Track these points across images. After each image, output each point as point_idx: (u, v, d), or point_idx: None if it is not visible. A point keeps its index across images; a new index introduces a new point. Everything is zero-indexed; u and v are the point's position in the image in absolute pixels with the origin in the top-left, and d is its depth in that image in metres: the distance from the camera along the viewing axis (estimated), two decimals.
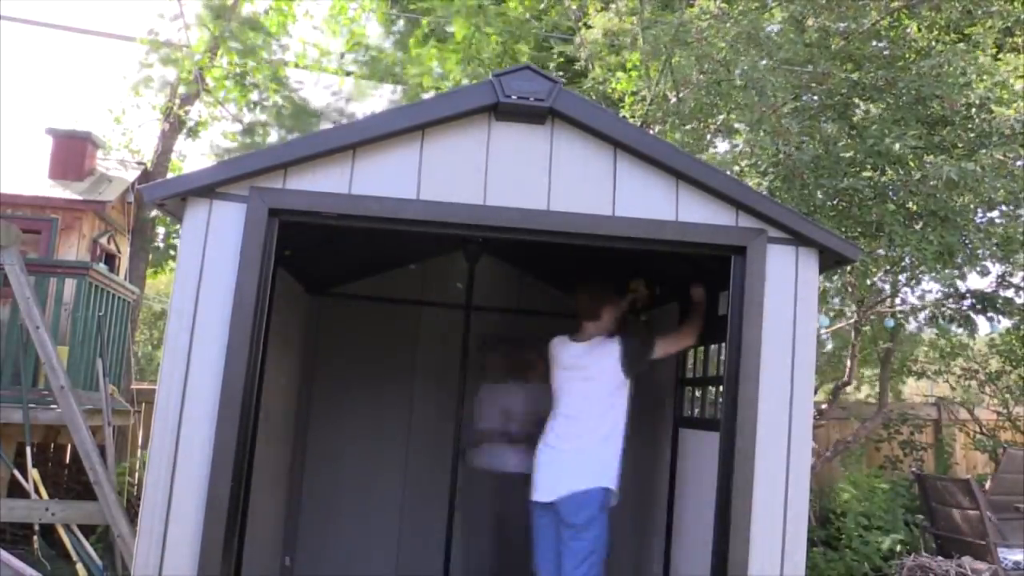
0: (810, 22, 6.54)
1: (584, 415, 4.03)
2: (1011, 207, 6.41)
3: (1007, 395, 8.38)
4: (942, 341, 8.58)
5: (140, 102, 9.86)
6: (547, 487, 3.96)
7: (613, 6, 7.18)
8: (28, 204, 7.56)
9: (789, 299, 3.41)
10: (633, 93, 7.13)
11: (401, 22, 11.26)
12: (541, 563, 4.04)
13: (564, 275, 5.90)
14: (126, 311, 6.96)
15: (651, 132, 6.08)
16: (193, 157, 10.15)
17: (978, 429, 8.47)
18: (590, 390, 4.03)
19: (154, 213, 8.83)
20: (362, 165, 3.31)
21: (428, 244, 5.53)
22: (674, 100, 6.70)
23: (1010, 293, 6.67)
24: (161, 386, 3.16)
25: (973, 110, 5.82)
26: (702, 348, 4.42)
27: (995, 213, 6.32)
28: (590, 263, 4.85)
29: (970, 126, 5.81)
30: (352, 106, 9.43)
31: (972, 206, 5.90)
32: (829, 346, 8.57)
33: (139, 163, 9.42)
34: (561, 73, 8.81)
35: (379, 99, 10.63)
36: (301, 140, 3.62)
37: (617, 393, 4.03)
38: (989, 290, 6.61)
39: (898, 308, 6.90)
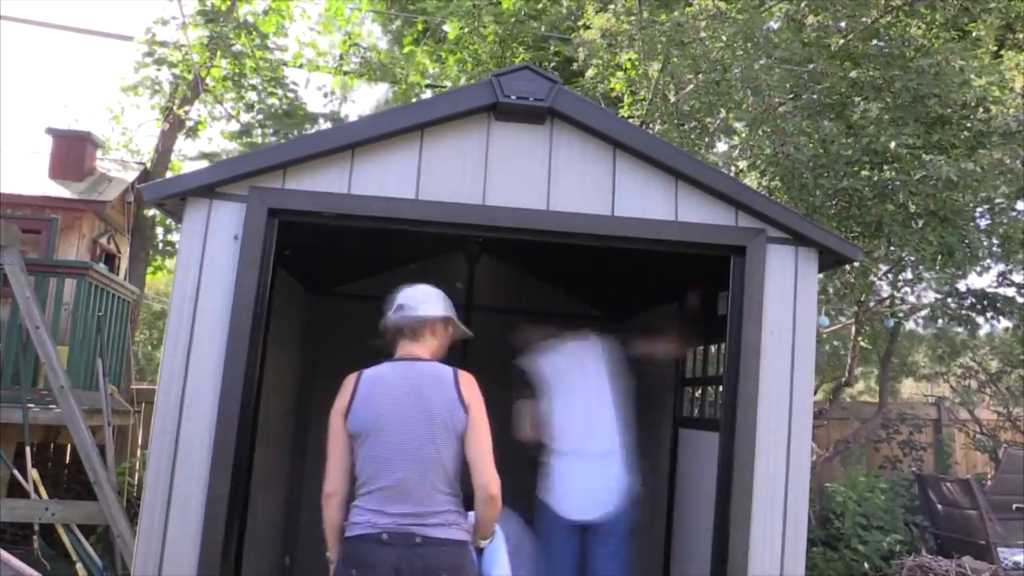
0: (808, 20, 6.54)
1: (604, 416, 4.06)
2: (1011, 206, 6.41)
3: (1007, 395, 8.38)
4: (941, 341, 8.58)
5: (139, 102, 9.88)
6: (587, 504, 3.89)
7: (611, 7, 7.18)
8: (28, 204, 7.55)
9: (789, 299, 3.41)
10: (632, 93, 7.13)
11: (398, 22, 11.27)
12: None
13: (564, 275, 5.91)
14: (126, 311, 6.96)
15: (650, 132, 6.07)
16: (193, 156, 10.16)
17: (978, 429, 8.47)
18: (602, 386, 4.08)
19: (153, 213, 8.83)
20: (361, 165, 3.31)
21: (428, 244, 5.53)
22: (672, 100, 6.70)
23: (1010, 293, 6.67)
24: (161, 386, 3.16)
25: (971, 109, 5.81)
26: (702, 348, 4.43)
27: (995, 211, 6.32)
28: (590, 263, 4.85)
29: (968, 125, 5.81)
30: (347, 107, 9.44)
31: (972, 205, 5.90)
32: (829, 347, 8.56)
33: (139, 163, 9.42)
34: (558, 72, 8.81)
35: (372, 101, 10.65)
36: (300, 140, 3.62)
37: None
38: (989, 290, 6.62)
39: (898, 308, 6.90)
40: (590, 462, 3.90)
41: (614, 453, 3.92)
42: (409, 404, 2.67)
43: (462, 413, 2.64)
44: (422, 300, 2.90)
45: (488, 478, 2.60)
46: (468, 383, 2.71)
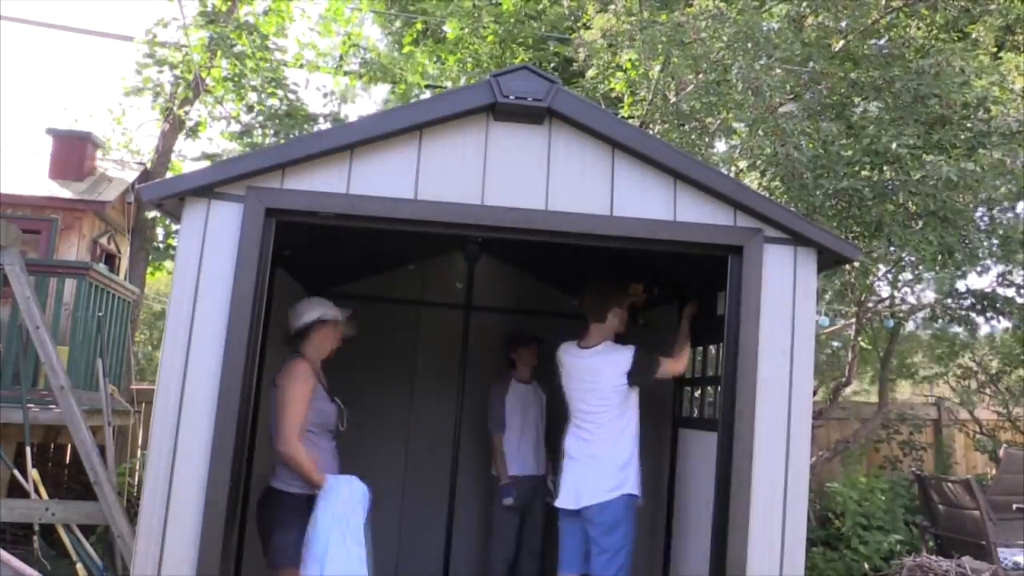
0: (809, 21, 6.54)
1: (595, 424, 4.04)
2: (1011, 204, 6.41)
3: (1007, 396, 8.37)
4: (942, 343, 8.57)
5: (140, 103, 9.88)
6: (570, 496, 4.02)
7: (611, 7, 7.19)
8: (28, 204, 7.56)
9: (787, 299, 3.41)
10: (632, 93, 7.14)
11: (398, 22, 11.28)
12: (564, 566, 4.11)
13: (563, 275, 5.91)
14: (126, 311, 6.96)
15: (650, 132, 6.07)
16: (194, 157, 10.15)
17: (978, 429, 8.46)
18: (599, 399, 4.04)
19: (154, 213, 8.83)
20: (360, 165, 3.31)
21: (428, 244, 5.53)
22: (672, 100, 6.70)
23: (1010, 293, 6.66)
24: (160, 386, 3.16)
25: (971, 109, 5.81)
26: (701, 349, 4.43)
27: (996, 211, 6.32)
28: (589, 263, 4.86)
29: (968, 125, 5.81)
30: (347, 108, 9.45)
31: (972, 206, 5.90)
32: (829, 347, 8.56)
33: (139, 163, 9.41)
34: (558, 73, 8.81)
35: (372, 102, 10.68)
36: (299, 140, 3.62)
37: (627, 400, 4.04)
38: (989, 290, 6.61)
39: (898, 308, 6.90)
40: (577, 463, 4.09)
41: (601, 460, 4.03)
42: None
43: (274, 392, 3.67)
44: (295, 313, 3.90)
45: (277, 440, 3.58)
46: (284, 369, 3.73)
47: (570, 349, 4.24)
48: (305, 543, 3.50)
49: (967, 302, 6.69)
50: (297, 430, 3.57)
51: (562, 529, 4.13)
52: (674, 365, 4.13)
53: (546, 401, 5.29)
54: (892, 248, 5.81)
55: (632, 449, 4.03)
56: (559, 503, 4.08)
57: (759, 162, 6.11)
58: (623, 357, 4.03)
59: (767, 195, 5.18)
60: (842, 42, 6.50)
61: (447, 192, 3.32)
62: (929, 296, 6.93)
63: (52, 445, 6.71)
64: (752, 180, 6.37)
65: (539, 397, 5.31)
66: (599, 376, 4.05)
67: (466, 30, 9.12)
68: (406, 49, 10.13)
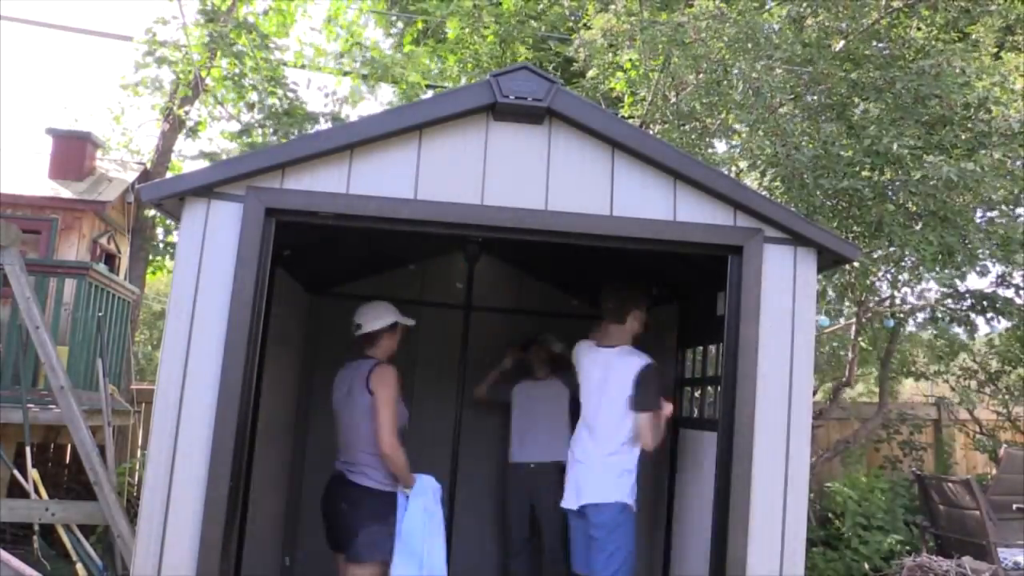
0: (809, 21, 6.54)
1: (601, 427, 4.07)
2: (1011, 207, 6.41)
3: (1006, 395, 8.37)
4: (940, 342, 8.57)
5: (139, 102, 9.88)
6: (571, 495, 4.09)
7: (612, 7, 7.19)
8: (28, 204, 7.57)
9: (787, 298, 3.41)
10: (632, 93, 7.14)
11: (399, 24, 11.28)
12: (576, 564, 4.18)
13: (563, 275, 5.91)
14: (126, 311, 6.96)
15: (650, 132, 6.07)
16: (193, 156, 10.14)
17: (978, 429, 8.46)
18: (607, 401, 4.05)
19: (154, 213, 8.83)
20: (360, 165, 3.31)
21: (427, 244, 5.53)
22: (673, 100, 6.70)
23: (1010, 293, 6.66)
24: (160, 386, 3.16)
25: (972, 110, 5.81)
26: (701, 348, 4.43)
27: (995, 213, 6.31)
28: (589, 263, 4.86)
29: (969, 126, 5.81)
30: (348, 108, 9.44)
31: (972, 206, 5.90)
32: (829, 347, 8.55)
33: (139, 163, 9.42)
34: (558, 73, 8.81)
35: (375, 103, 10.69)
36: (299, 140, 3.62)
37: (628, 406, 4.03)
38: (989, 290, 6.60)
39: (898, 308, 6.89)
40: (579, 464, 4.15)
41: (599, 464, 4.06)
42: (345, 394, 3.95)
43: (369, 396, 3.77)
44: (369, 316, 3.97)
45: (380, 441, 3.69)
46: (377, 375, 3.80)
47: (588, 348, 4.27)
48: (397, 538, 3.73)
49: (967, 303, 6.68)
50: (395, 431, 3.73)
51: (571, 528, 4.22)
52: (651, 432, 4.00)
53: (570, 395, 5.24)
54: (892, 248, 5.80)
55: (634, 458, 4.03)
56: (563, 503, 4.15)
57: (759, 162, 6.11)
58: (637, 360, 4.03)
59: (767, 195, 5.18)
60: (842, 43, 6.50)
61: (447, 192, 3.32)
62: (930, 296, 6.91)
63: (52, 445, 6.72)
64: (752, 180, 6.37)
65: (557, 391, 5.32)
66: (610, 375, 4.07)
67: (466, 30, 9.12)
68: (407, 49, 10.14)
